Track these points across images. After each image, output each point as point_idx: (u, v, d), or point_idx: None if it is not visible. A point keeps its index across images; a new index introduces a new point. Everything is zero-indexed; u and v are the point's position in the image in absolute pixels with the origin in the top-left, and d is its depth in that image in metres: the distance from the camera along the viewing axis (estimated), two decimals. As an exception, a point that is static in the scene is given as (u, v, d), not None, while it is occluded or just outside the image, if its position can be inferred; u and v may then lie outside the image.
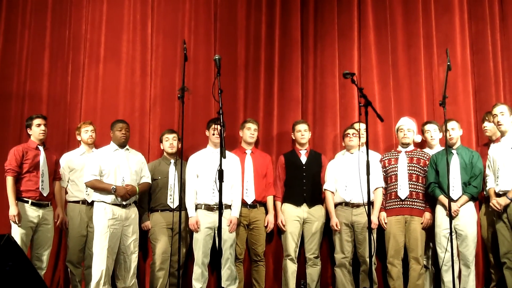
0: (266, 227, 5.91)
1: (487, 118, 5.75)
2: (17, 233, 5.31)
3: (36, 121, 5.62)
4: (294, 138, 6.15)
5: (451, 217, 5.05)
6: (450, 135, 5.43)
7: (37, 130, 5.61)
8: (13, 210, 5.31)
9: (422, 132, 5.95)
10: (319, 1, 6.92)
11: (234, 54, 6.80)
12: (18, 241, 5.15)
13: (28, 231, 5.42)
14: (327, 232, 5.97)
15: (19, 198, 5.41)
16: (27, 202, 5.43)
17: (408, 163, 5.66)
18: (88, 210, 5.75)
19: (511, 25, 6.55)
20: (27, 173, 5.47)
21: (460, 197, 5.40)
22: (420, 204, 5.61)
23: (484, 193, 5.53)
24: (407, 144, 5.75)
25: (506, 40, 6.55)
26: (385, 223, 5.64)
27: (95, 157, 5.58)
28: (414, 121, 5.87)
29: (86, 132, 6.00)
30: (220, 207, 4.13)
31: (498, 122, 5.33)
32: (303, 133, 6.02)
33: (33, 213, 5.44)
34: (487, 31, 6.55)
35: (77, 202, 5.85)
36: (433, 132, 5.84)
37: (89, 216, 5.69)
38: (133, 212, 5.57)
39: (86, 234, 5.80)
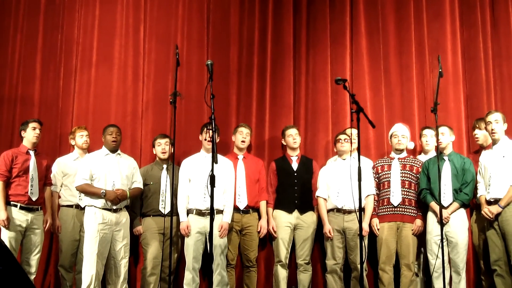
0: (259, 232, 5.91)
1: (477, 126, 5.74)
2: (5, 237, 5.30)
3: (32, 124, 5.63)
4: (285, 143, 6.14)
5: (441, 224, 5.05)
6: (439, 140, 5.43)
7: (31, 133, 5.60)
8: (2, 215, 5.30)
9: (419, 136, 5.95)
10: (312, 8, 6.93)
11: (227, 60, 6.79)
12: (7, 245, 5.14)
13: (17, 235, 5.41)
14: (319, 238, 5.97)
15: (7, 202, 5.40)
16: (16, 206, 5.43)
17: (401, 170, 5.67)
18: (80, 214, 5.72)
19: (502, 32, 6.57)
20: (16, 177, 5.47)
21: (451, 204, 5.41)
22: (412, 211, 5.61)
23: (475, 200, 5.54)
24: (401, 151, 5.76)
25: (497, 47, 6.57)
26: (377, 229, 5.65)
27: (86, 162, 5.58)
28: (408, 127, 5.88)
29: (81, 137, 6.00)
30: (212, 212, 4.12)
31: (492, 130, 5.29)
32: (294, 137, 6.02)
33: (21, 217, 5.43)
34: (479, 38, 6.57)
35: (70, 206, 5.85)
36: (429, 137, 5.81)
37: (81, 221, 5.66)
38: (124, 216, 5.56)
39: (79, 238, 5.79)
